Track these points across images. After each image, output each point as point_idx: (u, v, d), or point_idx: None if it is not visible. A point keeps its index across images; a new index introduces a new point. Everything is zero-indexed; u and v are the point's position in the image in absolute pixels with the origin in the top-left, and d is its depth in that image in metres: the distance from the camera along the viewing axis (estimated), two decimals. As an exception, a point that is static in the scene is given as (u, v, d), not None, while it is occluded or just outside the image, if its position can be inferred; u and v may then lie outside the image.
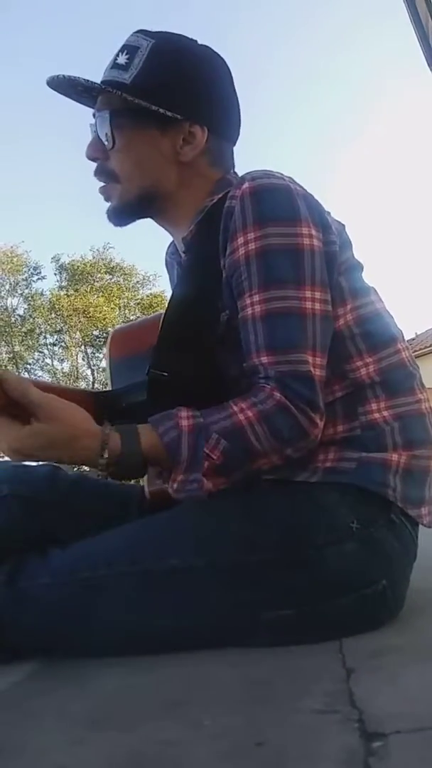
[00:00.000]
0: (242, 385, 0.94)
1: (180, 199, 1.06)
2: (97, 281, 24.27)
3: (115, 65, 1.01)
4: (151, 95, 0.98)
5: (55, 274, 24.97)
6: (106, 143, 1.02)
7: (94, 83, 1.00)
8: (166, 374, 0.94)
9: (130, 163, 1.03)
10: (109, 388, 1.13)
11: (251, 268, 0.92)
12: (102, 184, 1.07)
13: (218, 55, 1.06)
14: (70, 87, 1.03)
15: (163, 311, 1.06)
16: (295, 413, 0.87)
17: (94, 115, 1.05)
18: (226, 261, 0.96)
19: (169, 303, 1.08)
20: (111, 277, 24.56)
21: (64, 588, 0.90)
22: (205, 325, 0.99)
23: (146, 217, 1.09)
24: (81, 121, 1.10)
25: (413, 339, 20.01)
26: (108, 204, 1.07)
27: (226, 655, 0.85)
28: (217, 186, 1.05)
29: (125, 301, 24.16)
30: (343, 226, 1.04)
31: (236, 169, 1.11)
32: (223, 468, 0.86)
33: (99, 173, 1.06)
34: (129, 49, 1.01)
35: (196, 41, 1.06)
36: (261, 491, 0.94)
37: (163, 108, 0.99)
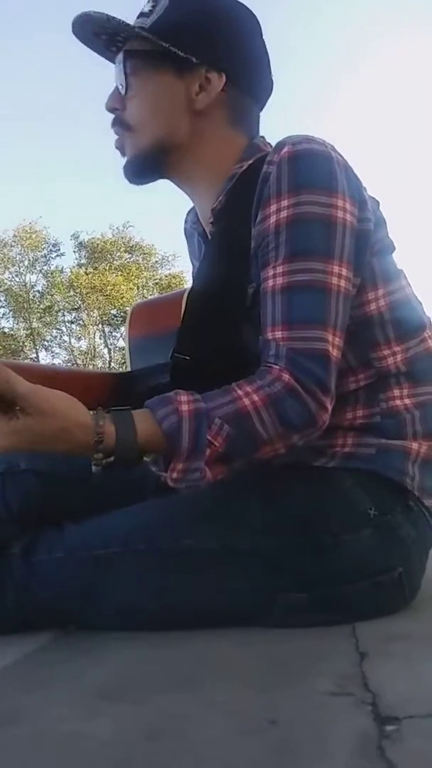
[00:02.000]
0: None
1: (197, 155, 1.00)
2: (116, 260, 24.29)
3: (140, 15, 0.98)
4: (166, 36, 0.94)
5: (74, 252, 25.07)
6: (121, 89, 0.98)
7: (114, 20, 0.94)
8: (188, 358, 0.92)
9: (143, 109, 0.98)
10: (127, 367, 1.11)
11: (280, 237, 0.88)
12: (115, 142, 1.02)
13: (247, 8, 1.01)
14: (95, 36, 0.98)
15: (186, 287, 1.03)
16: (305, 397, 0.83)
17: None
18: (256, 229, 0.91)
19: (194, 280, 1.05)
20: (130, 256, 24.56)
21: (78, 563, 0.90)
22: (232, 302, 0.95)
23: (163, 173, 1.03)
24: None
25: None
26: (124, 159, 1.02)
27: (239, 634, 0.85)
28: (246, 152, 1.00)
29: (144, 280, 24.16)
30: (378, 203, 0.99)
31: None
32: (225, 456, 0.82)
33: (114, 124, 1.01)
34: None
35: None
36: (279, 475, 0.93)
37: (177, 48, 0.94)
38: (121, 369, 1.14)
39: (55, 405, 0.78)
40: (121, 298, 22.88)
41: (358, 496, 0.90)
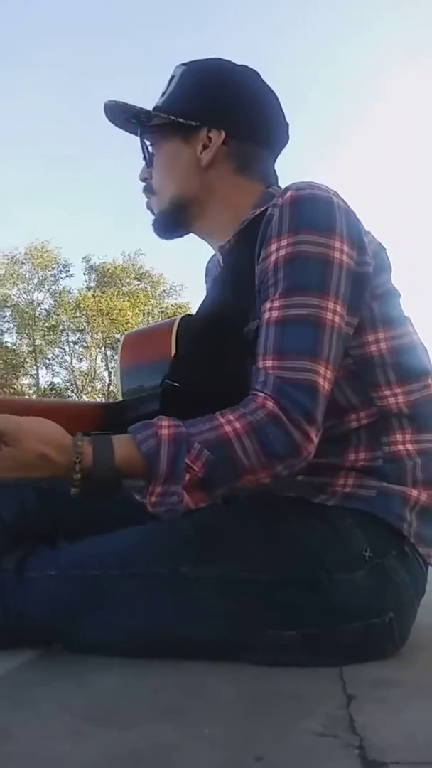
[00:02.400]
0: None
1: (211, 206, 1.08)
2: (125, 286, 24.53)
3: (161, 95, 1.10)
4: (172, 110, 1.06)
5: (84, 274, 25.32)
6: (146, 159, 1.10)
7: (129, 106, 1.07)
8: (177, 385, 0.93)
9: (161, 175, 1.10)
10: (119, 395, 1.12)
11: (278, 274, 0.92)
12: (146, 204, 1.13)
13: (247, 66, 1.11)
14: (122, 114, 1.10)
15: (176, 317, 1.05)
16: (287, 426, 0.83)
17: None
18: (258, 267, 0.96)
19: (197, 311, 1.10)
20: (139, 283, 24.83)
21: (71, 582, 0.90)
22: (232, 336, 0.98)
23: (185, 227, 1.12)
24: (119, 133, 1.17)
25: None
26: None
27: (227, 668, 0.85)
28: (261, 199, 1.06)
29: (150, 308, 24.35)
30: (384, 248, 1.03)
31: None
32: (206, 482, 0.82)
33: (144, 190, 1.13)
34: (170, 78, 1.10)
35: (235, 63, 1.10)
36: (278, 509, 0.93)
37: (180, 118, 1.05)
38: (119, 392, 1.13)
39: (33, 430, 0.82)
40: (127, 323, 23.02)
41: (355, 536, 0.90)
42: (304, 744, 0.59)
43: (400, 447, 0.95)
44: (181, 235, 1.14)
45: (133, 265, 24.81)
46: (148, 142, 1.10)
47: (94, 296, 23.78)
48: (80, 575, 0.90)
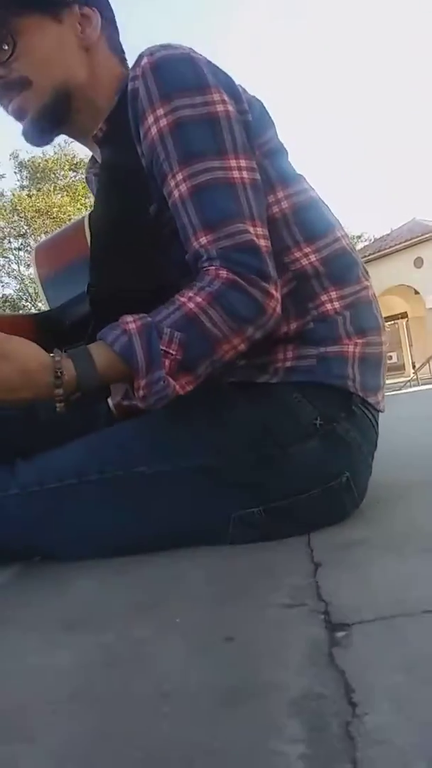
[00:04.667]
0: (183, 286, 0.90)
1: (94, 95, 0.98)
2: (61, 179, 23.10)
3: None
4: None
5: (15, 173, 23.68)
6: (5, 50, 0.92)
7: None
8: (100, 290, 0.89)
9: (37, 62, 0.94)
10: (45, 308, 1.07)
11: (167, 146, 0.87)
12: (10, 104, 0.96)
13: None
14: None
15: (83, 216, 0.99)
16: (246, 287, 0.83)
17: None
18: (143, 146, 0.90)
19: (93, 209, 1.02)
20: (75, 174, 23.35)
21: (33, 498, 0.90)
22: (134, 226, 0.93)
23: (63, 124, 0.99)
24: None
25: (388, 235, 19.75)
26: (24, 124, 0.97)
27: (197, 554, 0.87)
28: (123, 82, 0.97)
29: (92, 200, 23.14)
30: (260, 102, 0.98)
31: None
32: (186, 363, 0.82)
33: (7, 90, 0.95)
34: None
35: None
36: (224, 395, 0.93)
37: None
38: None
39: (13, 349, 0.78)
40: (69, 219, 21.92)
41: (303, 408, 0.90)
42: (273, 617, 0.61)
43: (328, 306, 0.94)
44: (56, 135, 1.01)
45: (65, 155, 23.24)
46: (4, 28, 0.92)
47: (29, 195, 22.44)
48: (41, 490, 0.90)
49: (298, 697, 0.45)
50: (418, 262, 16.95)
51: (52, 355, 0.80)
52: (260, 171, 0.91)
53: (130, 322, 0.81)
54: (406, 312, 19.58)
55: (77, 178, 23.27)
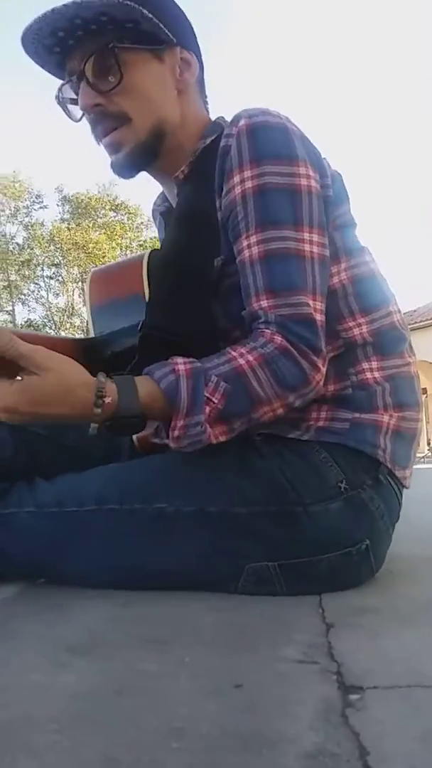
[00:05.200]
0: (233, 337, 0.92)
1: (182, 137, 1.01)
2: (101, 217, 23.78)
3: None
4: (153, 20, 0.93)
5: (58, 205, 24.46)
6: (110, 81, 0.94)
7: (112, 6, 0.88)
8: (153, 331, 0.90)
9: (141, 97, 0.96)
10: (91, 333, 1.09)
11: (248, 207, 0.90)
12: (104, 136, 0.98)
13: None
14: (81, 17, 0.90)
15: (145, 251, 1.01)
16: (297, 357, 0.85)
17: (70, 74, 0.97)
18: (223, 201, 0.93)
19: (161, 248, 1.04)
20: (115, 215, 24.05)
21: (49, 518, 0.90)
22: (199, 273, 0.95)
23: (153, 162, 1.02)
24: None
25: (414, 311, 19.95)
26: (115, 156, 0.99)
27: (208, 598, 0.86)
28: (209, 129, 1.02)
29: (127, 241, 23.72)
30: (340, 175, 1.02)
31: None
32: (225, 414, 0.83)
33: (103, 120, 0.97)
34: None
35: None
36: (253, 445, 0.93)
37: (164, 31, 0.95)
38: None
39: (59, 363, 0.79)
40: (103, 256, 22.46)
41: (330, 469, 0.91)
42: (283, 671, 0.60)
43: (368, 375, 0.95)
44: (141, 171, 1.03)
45: (107, 195, 23.95)
46: (114, 59, 0.93)
47: (68, 228, 23.06)
48: (58, 511, 0.90)
49: (311, 752, 0.44)
50: (441, 341, 17.00)
51: (96, 377, 0.81)
52: (330, 242, 0.94)
53: (180, 364, 0.83)
54: (425, 388, 19.58)
55: (116, 218, 23.92)
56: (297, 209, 0.89)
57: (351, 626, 0.74)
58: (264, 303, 0.88)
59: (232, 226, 0.92)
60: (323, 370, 0.88)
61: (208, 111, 1.08)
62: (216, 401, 0.82)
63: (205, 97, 1.08)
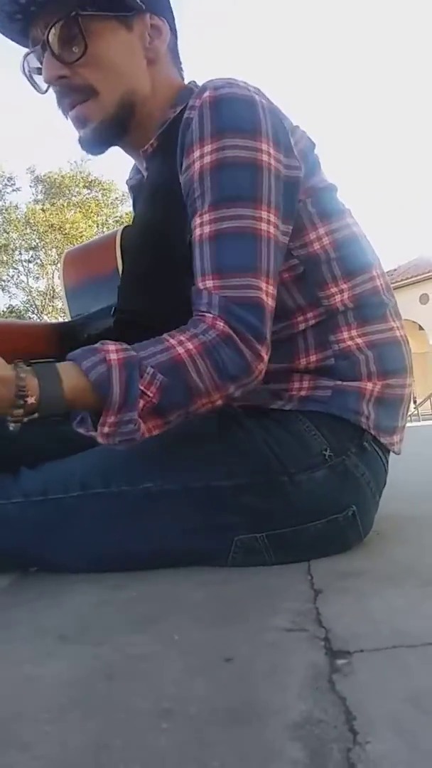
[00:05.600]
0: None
1: (153, 108, 0.97)
2: (75, 196, 23.37)
3: None
4: None
5: (31, 186, 23.98)
6: (75, 52, 0.89)
7: None
8: (127, 315, 0.88)
9: (107, 69, 0.91)
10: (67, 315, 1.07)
11: (205, 184, 0.85)
12: (71, 109, 0.94)
13: None
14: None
15: (118, 229, 0.98)
16: (240, 345, 0.80)
17: (34, 42, 0.92)
18: (183, 178, 0.89)
19: (132, 226, 1.01)
20: (89, 191, 23.62)
21: (36, 507, 0.90)
22: (172, 251, 0.91)
23: (123, 135, 0.97)
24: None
25: (394, 270, 19.94)
26: (83, 131, 0.95)
27: (197, 573, 0.87)
28: (180, 96, 0.97)
29: (103, 218, 23.37)
30: (314, 145, 0.98)
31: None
32: (160, 408, 0.77)
33: (68, 93, 0.92)
34: None
35: None
36: (236, 418, 0.93)
37: None
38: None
39: None
40: (80, 236, 22.12)
41: (313, 437, 0.91)
42: (272, 640, 0.61)
43: (349, 342, 0.94)
44: (111, 146, 0.99)
45: (80, 173, 23.53)
46: (77, 28, 0.88)
47: (43, 210, 22.67)
48: (45, 500, 0.90)
49: (298, 721, 0.44)
50: (424, 299, 17.10)
51: (15, 367, 0.73)
52: (303, 213, 0.91)
53: (112, 352, 0.76)
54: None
55: (90, 195, 23.52)
56: (257, 186, 0.84)
57: (338, 591, 0.75)
58: (209, 283, 0.82)
59: (190, 203, 0.88)
60: (266, 358, 0.83)
61: (183, 78, 1.02)
62: (151, 395, 0.76)
63: (180, 63, 1.03)
